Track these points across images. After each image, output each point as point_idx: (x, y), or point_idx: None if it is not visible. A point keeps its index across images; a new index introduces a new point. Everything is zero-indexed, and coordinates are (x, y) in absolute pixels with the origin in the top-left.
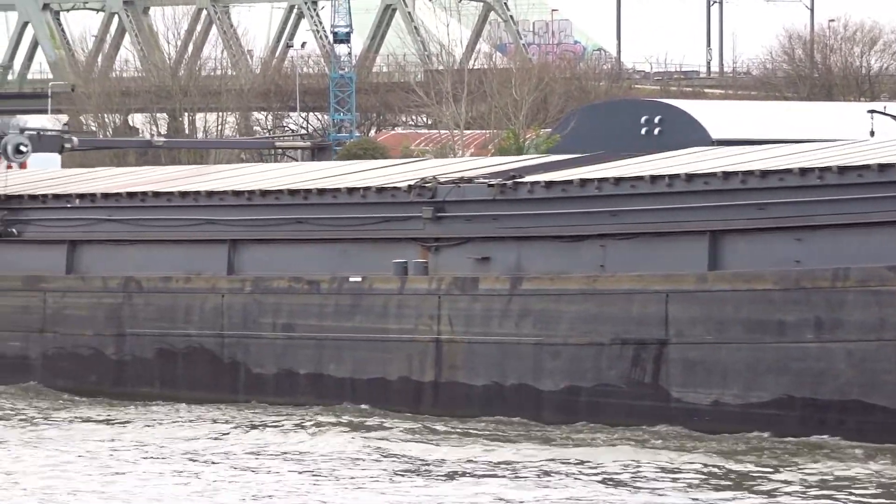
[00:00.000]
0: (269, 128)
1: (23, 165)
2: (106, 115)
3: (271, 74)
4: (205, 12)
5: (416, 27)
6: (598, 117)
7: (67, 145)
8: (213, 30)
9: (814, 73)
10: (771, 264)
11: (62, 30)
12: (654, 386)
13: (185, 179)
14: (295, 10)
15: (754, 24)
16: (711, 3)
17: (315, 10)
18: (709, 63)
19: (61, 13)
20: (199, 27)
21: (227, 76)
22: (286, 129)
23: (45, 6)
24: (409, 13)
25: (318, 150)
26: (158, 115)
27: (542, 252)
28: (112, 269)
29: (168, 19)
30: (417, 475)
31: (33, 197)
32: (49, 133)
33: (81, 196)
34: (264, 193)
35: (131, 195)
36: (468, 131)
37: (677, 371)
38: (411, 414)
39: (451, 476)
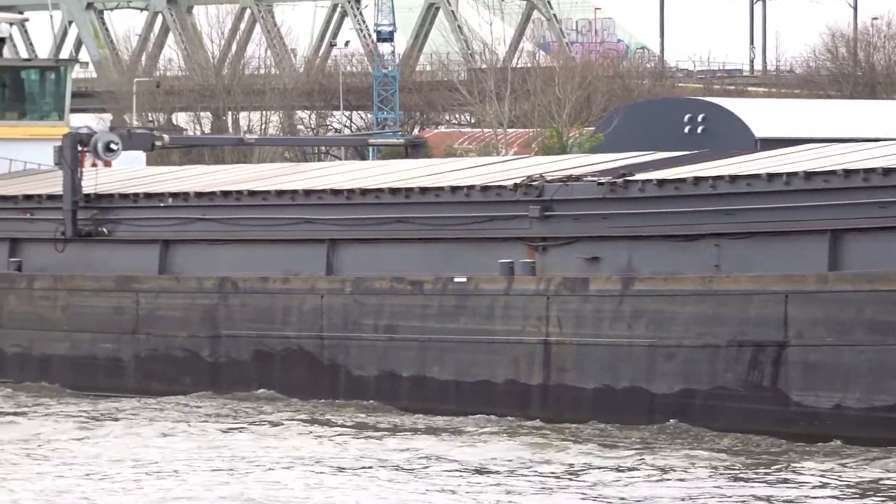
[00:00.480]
0: (312, 127)
1: (107, 164)
2: (149, 115)
3: (315, 73)
4: (248, 11)
5: (459, 26)
6: (642, 116)
7: (158, 143)
8: (257, 29)
9: (857, 71)
10: (894, 264)
11: (106, 29)
12: (773, 389)
13: (279, 178)
14: (338, 9)
15: (797, 23)
16: (755, 1)
17: (358, 8)
18: (752, 61)
19: (105, 12)
20: (242, 26)
21: (271, 75)
22: (329, 127)
23: (89, 5)
24: (453, 12)
25: (412, 148)
26: (202, 114)
27: (654, 252)
28: (206, 269)
29: (212, 18)
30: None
31: (124, 196)
32: (139, 131)
33: (174, 195)
34: (364, 192)
35: (226, 194)
36: (511, 130)
37: (797, 374)
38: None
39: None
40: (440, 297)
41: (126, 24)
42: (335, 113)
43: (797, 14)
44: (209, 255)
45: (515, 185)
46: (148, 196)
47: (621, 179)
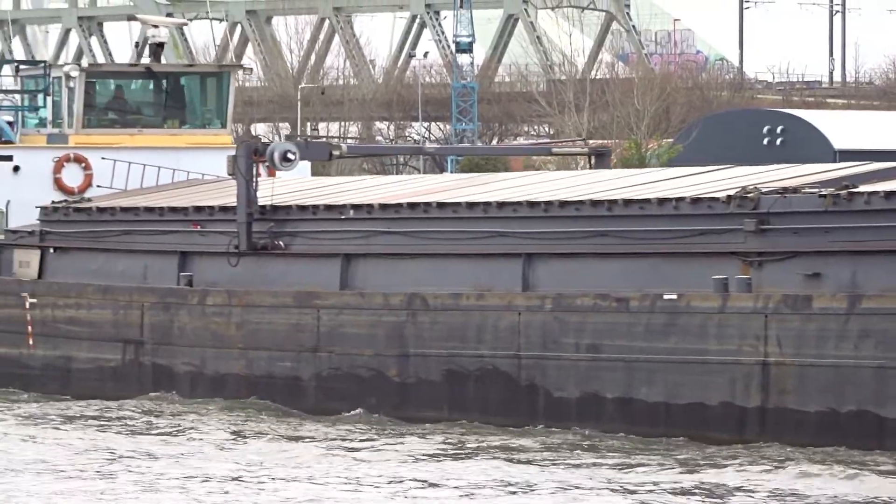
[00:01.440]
0: (391, 138)
1: (271, 173)
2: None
3: (393, 84)
4: (327, 22)
5: (538, 37)
6: (721, 127)
7: (336, 152)
8: (336, 39)
9: None
10: None
11: (185, 40)
12: None
13: (464, 189)
14: (417, 20)
15: (877, 34)
16: (834, 13)
17: (437, 19)
18: (831, 73)
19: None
20: (321, 36)
21: (350, 86)
22: (408, 139)
23: (168, 16)
24: (532, 23)
25: (597, 157)
26: (280, 124)
27: (882, 267)
28: (392, 284)
29: (290, 29)
30: None
31: (303, 208)
32: (317, 139)
33: (356, 207)
34: (563, 204)
35: (413, 206)
36: (590, 141)
37: None
38: (733, 442)
39: None
40: (648, 315)
41: (205, 35)
42: (414, 124)
43: (876, 26)
44: (394, 269)
45: (729, 196)
46: (328, 208)
47: (845, 192)
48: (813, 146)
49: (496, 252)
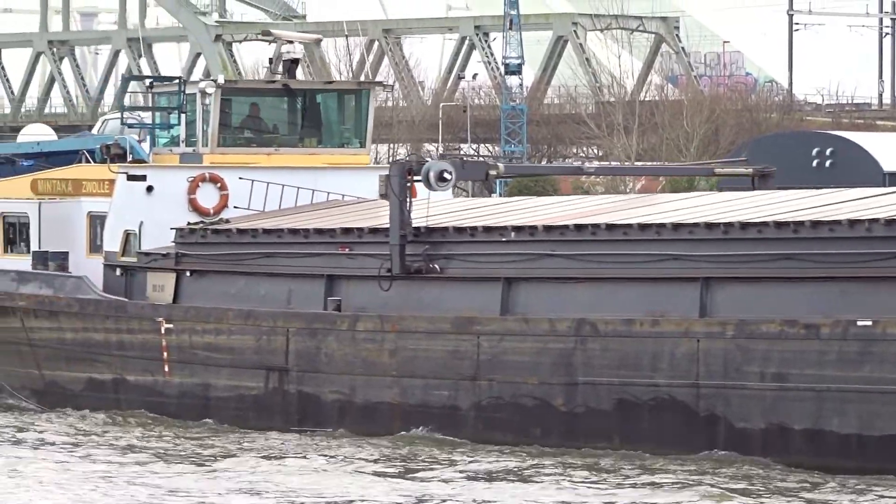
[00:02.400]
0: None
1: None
2: None
3: (443, 105)
4: (377, 43)
5: (587, 58)
6: (770, 150)
7: (492, 172)
8: (385, 61)
9: None
10: None
11: (234, 61)
12: None
13: (628, 210)
14: (466, 42)
15: None
16: (884, 34)
17: (487, 41)
18: (881, 95)
19: (234, 44)
20: (370, 58)
21: (399, 107)
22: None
23: (218, 37)
24: (581, 45)
25: (760, 178)
26: None
27: None
28: (557, 309)
29: (340, 50)
30: None
31: (460, 229)
32: (473, 159)
33: (518, 228)
34: (744, 226)
35: (580, 228)
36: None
37: None
38: None
39: None
40: (840, 343)
41: (254, 55)
42: (462, 146)
43: None
44: (560, 294)
45: None
46: (487, 230)
47: None
48: (862, 168)
49: (671, 276)
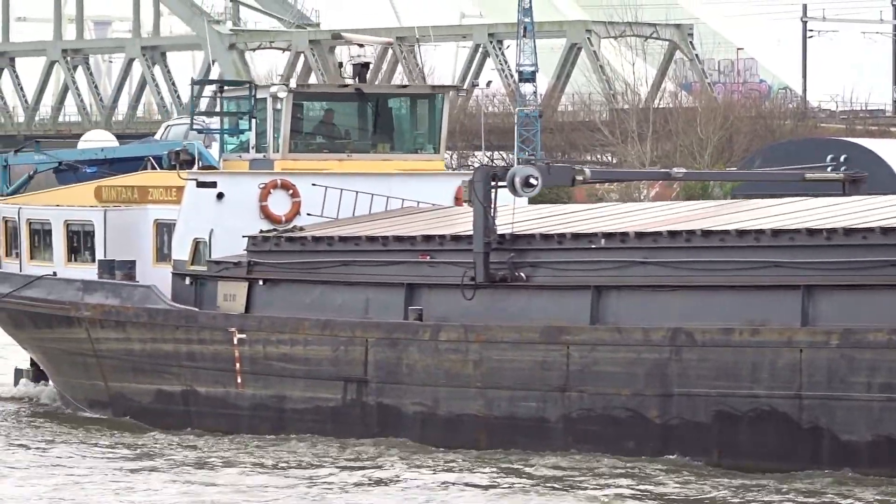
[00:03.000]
0: (453, 167)
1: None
2: None
3: (457, 112)
4: (390, 51)
5: (601, 66)
6: (784, 156)
7: (579, 177)
8: (399, 68)
9: None
10: None
11: (248, 69)
12: None
13: (720, 217)
14: (480, 50)
15: None
16: None
17: (500, 49)
18: (895, 101)
19: (247, 52)
20: (384, 65)
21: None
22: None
23: (232, 46)
24: (595, 52)
25: (850, 184)
26: None
27: None
28: (650, 318)
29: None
30: None
31: (547, 236)
32: (559, 164)
33: (608, 235)
34: (848, 232)
35: (673, 234)
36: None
37: None
38: None
39: None
40: None
41: (269, 63)
42: (476, 153)
43: None
44: (653, 302)
45: None
46: (576, 237)
47: None
48: (876, 175)
49: (771, 284)
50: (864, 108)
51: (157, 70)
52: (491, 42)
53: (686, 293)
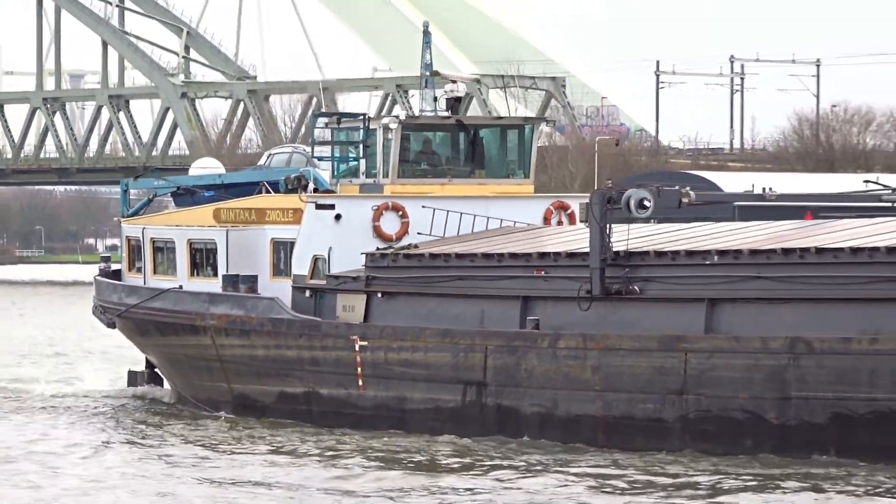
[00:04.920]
0: None
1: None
2: None
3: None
4: (315, 99)
5: (489, 111)
6: None
7: (685, 199)
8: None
9: (819, 150)
10: None
11: (197, 114)
12: None
13: (820, 236)
14: (389, 98)
15: (770, 109)
16: (735, 91)
17: (406, 97)
18: (731, 141)
19: (196, 100)
20: (310, 111)
21: None
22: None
23: (183, 94)
24: (484, 99)
25: None
26: None
27: None
28: (763, 329)
29: (285, 105)
30: None
31: (661, 253)
32: (667, 188)
33: (721, 252)
34: None
35: (787, 252)
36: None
37: None
38: None
39: None
40: None
41: (214, 110)
42: None
43: (769, 101)
44: (765, 314)
45: None
46: (690, 254)
47: None
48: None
49: (884, 297)
50: (706, 147)
51: (121, 115)
52: (398, 91)
53: (799, 305)
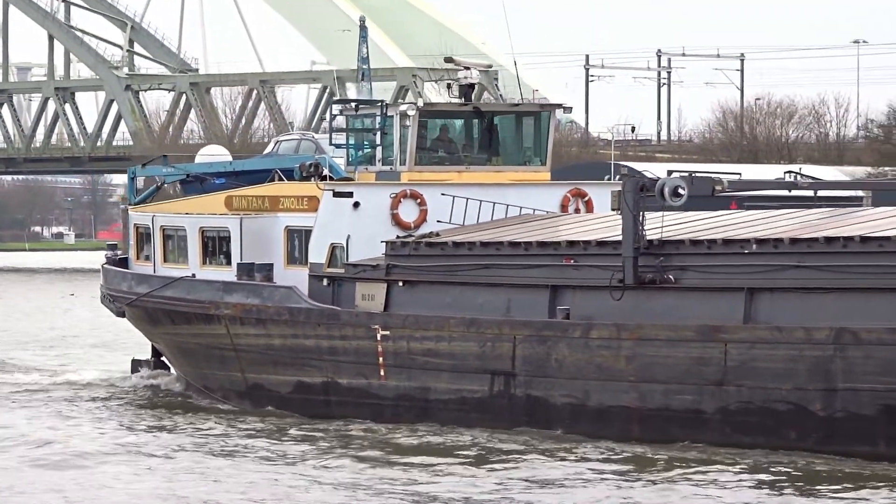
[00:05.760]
0: None
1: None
2: None
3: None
4: (255, 91)
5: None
6: (569, 177)
7: (718, 187)
8: (262, 106)
9: (743, 141)
10: None
11: (141, 106)
12: None
13: (858, 224)
14: (328, 90)
15: (696, 102)
16: (662, 84)
17: (344, 90)
18: (658, 132)
19: (140, 92)
20: (250, 104)
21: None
22: None
23: (127, 87)
24: (419, 92)
25: None
26: None
27: None
28: (804, 319)
29: (226, 97)
30: None
31: (696, 242)
32: (699, 174)
33: (761, 241)
34: None
35: (830, 240)
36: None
37: None
38: None
39: None
40: None
41: (157, 102)
42: None
43: (695, 94)
44: (807, 304)
45: None
46: (727, 242)
47: None
48: None
49: None
50: (634, 138)
51: (67, 107)
52: (336, 84)
53: (843, 295)
